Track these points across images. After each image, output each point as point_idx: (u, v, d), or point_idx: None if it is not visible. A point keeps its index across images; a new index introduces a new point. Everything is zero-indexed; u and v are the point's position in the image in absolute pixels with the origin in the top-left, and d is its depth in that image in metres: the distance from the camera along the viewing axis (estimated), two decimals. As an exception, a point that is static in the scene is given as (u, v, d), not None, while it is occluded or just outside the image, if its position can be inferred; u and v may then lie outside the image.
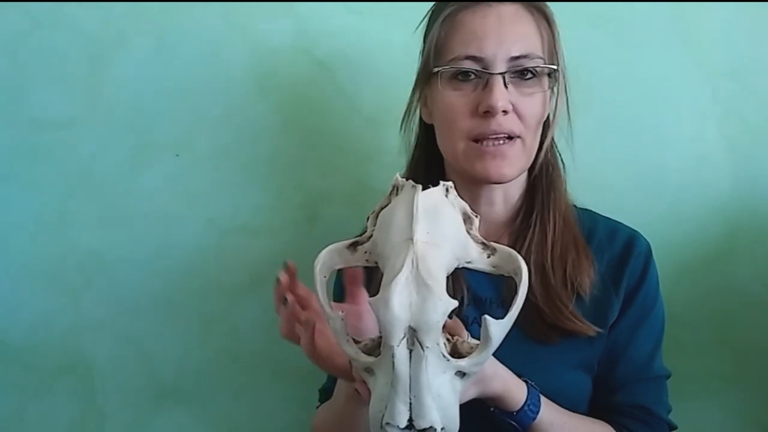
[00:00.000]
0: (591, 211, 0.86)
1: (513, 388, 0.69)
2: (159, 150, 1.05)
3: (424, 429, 0.58)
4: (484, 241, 0.65)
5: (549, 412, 0.72)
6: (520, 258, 0.62)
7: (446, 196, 0.64)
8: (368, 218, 0.66)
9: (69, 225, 1.05)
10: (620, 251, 0.81)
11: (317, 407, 0.89)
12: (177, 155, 1.05)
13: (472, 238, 0.64)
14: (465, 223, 0.65)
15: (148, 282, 1.06)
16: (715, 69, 1.04)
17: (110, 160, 1.05)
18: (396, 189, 0.65)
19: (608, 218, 0.86)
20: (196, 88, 1.04)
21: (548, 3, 0.79)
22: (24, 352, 1.06)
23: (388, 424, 0.59)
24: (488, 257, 0.64)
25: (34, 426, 1.07)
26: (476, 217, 0.65)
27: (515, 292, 0.61)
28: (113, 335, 1.07)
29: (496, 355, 0.66)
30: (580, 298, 0.77)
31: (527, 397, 0.70)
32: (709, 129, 1.05)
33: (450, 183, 0.65)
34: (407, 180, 0.63)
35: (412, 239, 0.58)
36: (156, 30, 1.04)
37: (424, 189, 0.62)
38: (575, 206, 0.84)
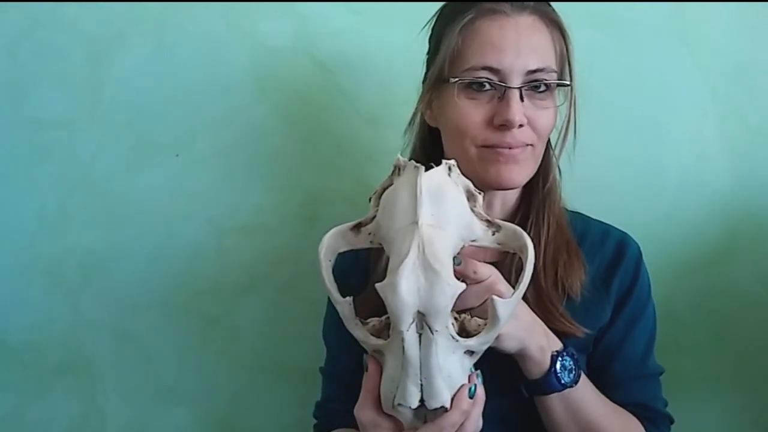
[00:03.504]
0: (582, 214, 0.87)
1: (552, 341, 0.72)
2: (159, 150, 1.05)
3: (436, 408, 0.59)
4: (489, 218, 0.65)
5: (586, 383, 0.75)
6: (525, 235, 0.63)
7: (449, 175, 0.64)
8: (370, 199, 0.66)
9: (69, 225, 1.05)
10: (611, 255, 0.83)
11: (314, 425, 0.89)
12: (177, 155, 1.05)
13: (476, 215, 0.64)
14: (468, 201, 0.64)
15: (148, 282, 1.06)
16: (715, 69, 1.04)
17: (110, 160, 1.05)
18: (398, 169, 0.64)
19: (599, 221, 0.87)
20: (196, 88, 1.04)
21: (549, 3, 0.79)
22: (24, 352, 1.06)
23: (400, 404, 0.59)
24: (493, 234, 0.64)
25: (34, 426, 1.07)
26: (480, 194, 0.65)
27: (521, 269, 0.62)
28: (113, 335, 1.07)
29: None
30: (570, 300, 0.78)
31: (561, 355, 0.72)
32: (709, 129, 1.05)
33: (453, 161, 0.64)
34: (408, 161, 0.63)
35: (417, 223, 0.58)
36: (156, 30, 1.04)
37: (426, 169, 0.61)
38: (567, 210, 0.85)
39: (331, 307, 0.89)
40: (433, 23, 0.81)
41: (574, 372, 0.73)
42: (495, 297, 0.60)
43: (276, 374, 1.08)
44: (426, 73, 0.81)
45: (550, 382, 0.71)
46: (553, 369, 0.71)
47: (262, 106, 1.05)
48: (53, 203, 1.05)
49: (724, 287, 1.06)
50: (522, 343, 0.69)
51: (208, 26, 1.04)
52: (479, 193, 0.65)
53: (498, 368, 0.71)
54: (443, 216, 0.60)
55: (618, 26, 1.04)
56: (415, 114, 0.84)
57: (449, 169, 0.64)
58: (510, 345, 0.68)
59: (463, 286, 0.58)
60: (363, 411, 0.63)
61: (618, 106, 1.05)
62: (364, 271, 0.81)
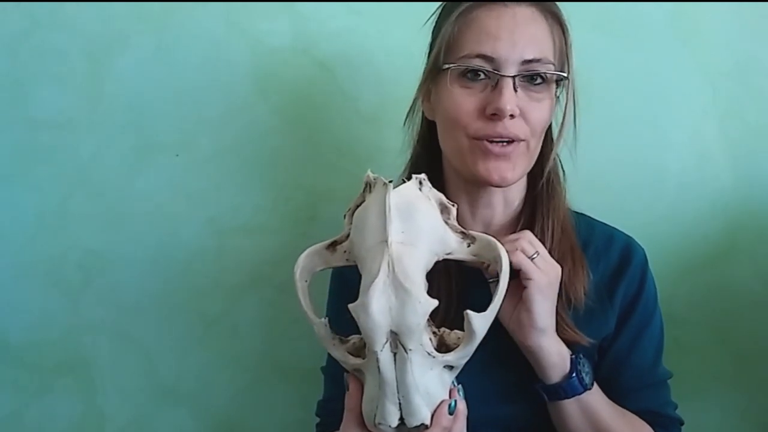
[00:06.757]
0: (587, 216, 0.85)
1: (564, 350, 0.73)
2: (159, 150, 1.05)
3: (417, 426, 0.59)
4: (463, 230, 0.64)
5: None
6: (499, 246, 0.62)
7: (420, 189, 0.63)
8: (345, 216, 0.65)
9: (69, 225, 1.05)
10: (617, 262, 0.81)
11: (317, 424, 0.90)
12: (177, 155, 1.05)
13: (450, 228, 0.63)
14: (442, 214, 0.63)
15: (148, 282, 1.06)
16: (715, 69, 1.04)
17: (110, 160, 1.05)
18: (369, 186, 0.64)
19: (604, 224, 0.85)
20: (196, 88, 1.04)
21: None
22: (24, 351, 1.06)
23: (380, 423, 0.59)
24: (468, 246, 0.64)
25: (34, 426, 1.07)
26: (453, 206, 0.64)
27: (496, 281, 0.61)
28: (113, 335, 1.07)
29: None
30: (574, 308, 0.77)
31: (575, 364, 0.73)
32: (709, 129, 1.05)
33: (423, 175, 0.64)
34: (377, 177, 0.62)
35: (386, 241, 0.58)
36: (156, 30, 1.04)
37: (399, 184, 0.61)
38: (572, 212, 0.83)
39: (331, 306, 0.89)
40: (434, 21, 0.81)
41: (590, 374, 0.73)
42: (469, 311, 0.59)
43: (276, 374, 1.08)
44: (426, 67, 0.81)
45: (572, 385, 0.72)
46: (575, 371, 0.71)
47: (262, 106, 1.05)
48: (53, 203, 1.05)
49: (725, 287, 1.06)
50: (540, 339, 0.70)
51: (208, 26, 1.04)
52: (453, 205, 0.64)
53: (511, 374, 0.72)
54: (413, 232, 0.59)
55: (618, 26, 1.04)
56: (412, 105, 0.83)
57: (420, 183, 0.63)
58: (529, 341, 0.70)
59: (435, 302, 0.57)
60: (348, 429, 0.64)
61: (618, 106, 1.05)
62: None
